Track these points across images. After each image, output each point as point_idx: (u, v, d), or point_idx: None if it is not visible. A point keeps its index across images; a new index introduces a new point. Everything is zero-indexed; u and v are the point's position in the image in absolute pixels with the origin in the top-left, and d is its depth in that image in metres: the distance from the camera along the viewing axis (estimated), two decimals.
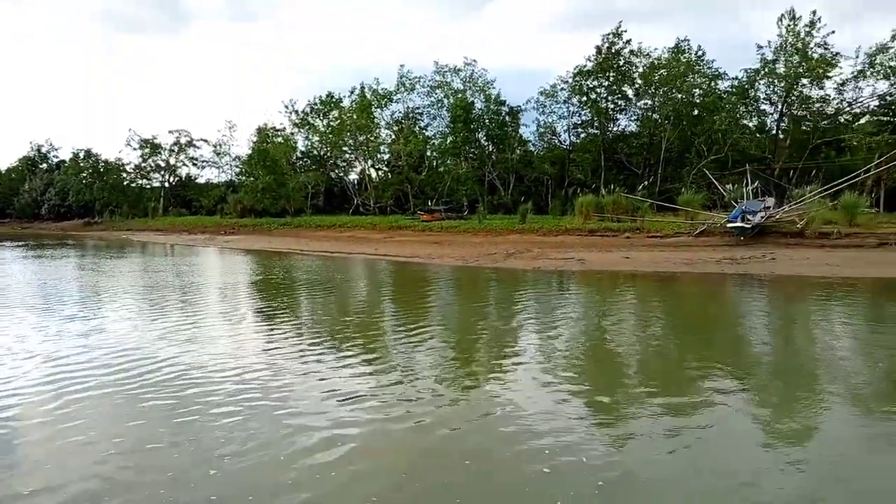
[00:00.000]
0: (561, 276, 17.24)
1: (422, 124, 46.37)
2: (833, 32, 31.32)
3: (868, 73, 31.43)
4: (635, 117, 38.72)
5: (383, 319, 11.04)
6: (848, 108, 34.17)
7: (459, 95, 42.01)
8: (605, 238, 24.90)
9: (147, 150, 63.79)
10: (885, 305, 12.41)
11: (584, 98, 36.92)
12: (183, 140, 63.64)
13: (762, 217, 22.99)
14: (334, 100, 47.89)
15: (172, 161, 65.23)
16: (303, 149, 51.76)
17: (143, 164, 65.30)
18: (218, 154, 62.99)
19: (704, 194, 29.17)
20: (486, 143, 43.06)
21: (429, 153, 46.01)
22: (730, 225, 22.58)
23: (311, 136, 49.93)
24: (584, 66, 35.70)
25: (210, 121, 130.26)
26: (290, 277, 18.02)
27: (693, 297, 14.15)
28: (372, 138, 45.98)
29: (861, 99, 33.36)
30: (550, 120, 42.26)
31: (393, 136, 46.45)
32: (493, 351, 8.37)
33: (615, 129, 39.28)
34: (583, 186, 36.79)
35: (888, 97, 31.73)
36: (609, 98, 36.73)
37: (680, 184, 32.96)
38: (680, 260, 19.23)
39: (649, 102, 36.31)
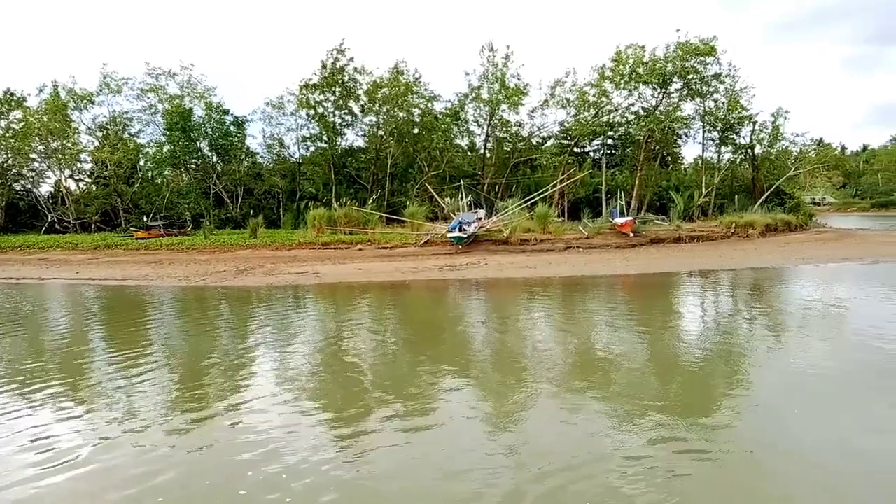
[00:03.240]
0: (296, 290, 17.00)
1: (133, 131, 41.58)
2: (524, 65, 36.71)
3: (550, 102, 37.39)
4: (362, 133, 40.19)
5: (92, 357, 9.57)
6: (537, 132, 40.22)
7: (176, 101, 38.79)
8: (339, 250, 25.33)
9: None
10: (572, 298, 14.86)
11: (312, 111, 37.06)
12: None
13: (476, 227, 25.78)
14: (16, 98, 40.22)
15: None
16: None
17: None
18: None
19: (427, 207, 31.61)
20: (209, 154, 40.42)
21: (142, 163, 41.46)
22: (450, 235, 24.79)
23: None
24: (311, 79, 35.90)
25: None
26: None
27: (420, 303, 15.18)
28: (69, 145, 39.72)
29: (546, 124, 39.60)
30: (279, 132, 41.55)
31: (97, 143, 40.76)
32: (226, 380, 7.88)
33: (344, 143, 40.19)
34: (315, 200, 36.94)
35: (565, 124, 38.11)
36: (336, 113, 37.44)
37: (405, 197, 35.19)
38: (408, 269, 20.46)
39: (374, 119, 37.98)
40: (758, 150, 38.02)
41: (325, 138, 38.78)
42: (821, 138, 45.81)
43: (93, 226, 38.85)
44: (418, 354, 9.19)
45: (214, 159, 40.62)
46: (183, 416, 6.55)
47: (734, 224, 29.67)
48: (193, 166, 40.57)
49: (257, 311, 13.76)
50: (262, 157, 43.28)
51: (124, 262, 24.53)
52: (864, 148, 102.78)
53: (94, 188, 41.39)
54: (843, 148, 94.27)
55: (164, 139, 39.54)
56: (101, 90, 39.30)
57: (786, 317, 11.82)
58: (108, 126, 40.85)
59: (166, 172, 41.42)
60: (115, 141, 39.09)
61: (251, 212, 36.56)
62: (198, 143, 39.21)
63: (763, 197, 35.77)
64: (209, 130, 39.36)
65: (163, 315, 13.86)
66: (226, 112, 40.15)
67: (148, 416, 6.53)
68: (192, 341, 10.79)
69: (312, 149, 41.13)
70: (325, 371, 8.23)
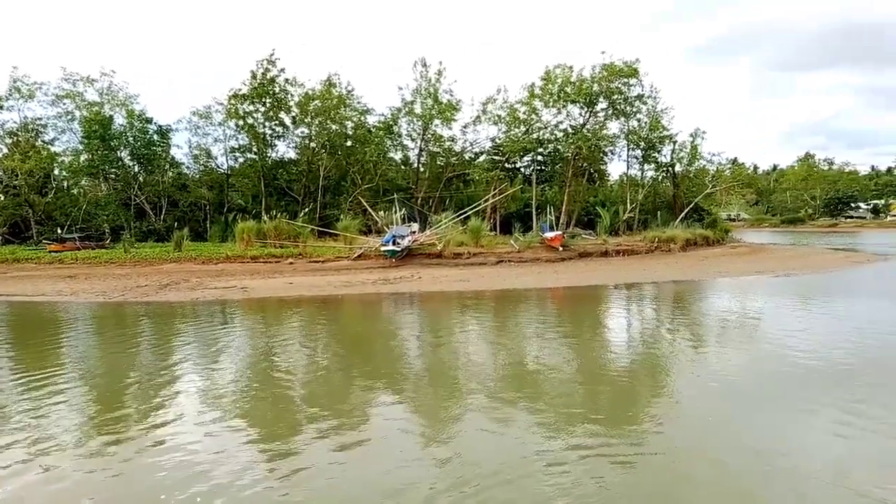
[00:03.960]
0: (223, 305, 16.43)
1: (47, 138, 39.19)
2: (456, 81, 37.18)
3: (482, 118, 37.98)
4: (294, 145, 39.47)
5: None
6: (470, 148, 40.69)
7: (95, 108, 36.94)
8: (269, 264, 24.71)
9: None
10: (505, 311, 15.05)
11: (241, 122, 36.15)
12: None
13: (410, 241, 25.78)
14: None
15: None
16: None
17: None
18: None
19: (360, 220, 31.36)
20: (131, 164, 38.64)
21: (57, 172, 39.14)
22: (383, 248, 24.68)
23: None
24: (240, 89, 35.04)
25: None
26: None
27: (353, 318, 14.99)
28: None
29: (478, 140, 40.14)
30: (206, 142, 40.20)
31: (5, 151, 38.19)
32: (145, 403, 7.50)
33: (274, 155, 39.34)
34: (244, 212, 35.94)
35: (497, 140, 38.79)
36: (266, 124, 36.68)
37: (338, 210, 34.75)
38: (340, 282, 20.19)
39: (306, 131, 37.43)
40: (678, 168, 40.01)
41: (254, 149, 37.85)
42: (735, 158, 48.72)
43: (1, 238, 36.31)
44: (350, 371, 9.06)
45: (136, 169, 38.86)
46: (98, 441, 6.18)
47: (657, 239, 30.98)
48: (113, 176, 38.67)
49: (181, 328, 13.22)
50: (187, 167, 41.68)
51: (36, 276, 23.05)
52: (775, 168, 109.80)
53: (3, 198, 38.72)
54: (756, 167, 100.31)
55: (81, 147, 37.55)
56: (10, 94, 36.93)
57: (706, 327, 12.41)
58: (19, 133, 38.38)
59: (83, 182, 39.26)
60: (27, 148, 36.74)
61: (176, 224, 35.09)
62: (118, 152, 37.44)
63: (683, 213, 37.53)
64: (130, 139, 37.63)
65: (78, 333, 13.09)
66: (149, 121, 38.54)
67: (60, 442, 6.12)
68: (109, 361, 10.22)
69: (241, 160, 40.02)
70: (252, 391, 7.97)
